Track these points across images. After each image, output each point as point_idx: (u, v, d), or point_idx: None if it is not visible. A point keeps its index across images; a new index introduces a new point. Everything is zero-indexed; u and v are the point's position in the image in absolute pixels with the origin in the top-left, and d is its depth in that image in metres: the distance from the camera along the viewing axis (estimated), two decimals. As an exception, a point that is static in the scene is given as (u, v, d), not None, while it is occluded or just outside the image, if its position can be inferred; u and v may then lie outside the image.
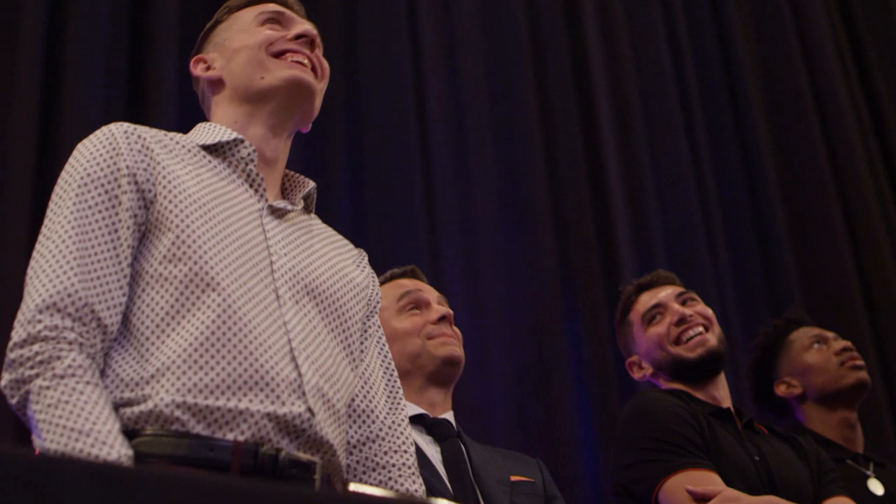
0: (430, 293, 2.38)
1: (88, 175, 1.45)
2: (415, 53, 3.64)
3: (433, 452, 2.14)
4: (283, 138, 1.67)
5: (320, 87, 1.71)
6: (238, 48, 1.67)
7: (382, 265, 2.50)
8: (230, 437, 1.33)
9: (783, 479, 2.32)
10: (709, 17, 4.56)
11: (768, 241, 4.13)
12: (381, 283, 2.40)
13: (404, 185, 3.40)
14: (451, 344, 2.27)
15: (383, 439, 1.61)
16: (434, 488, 2.03)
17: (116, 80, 3.04)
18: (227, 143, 1.59)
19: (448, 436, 2.19)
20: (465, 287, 3.33)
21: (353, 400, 1.60)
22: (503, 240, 3.53)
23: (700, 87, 4.35)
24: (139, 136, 1.50)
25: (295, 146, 3.16)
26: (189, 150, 1.56)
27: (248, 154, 1.59)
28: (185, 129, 1.67)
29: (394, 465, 1.60)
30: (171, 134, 1.58)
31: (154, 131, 1.55)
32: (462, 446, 2.19)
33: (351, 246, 1.75)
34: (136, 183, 1.45)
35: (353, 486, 1.50)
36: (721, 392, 2.53)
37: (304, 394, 1.40)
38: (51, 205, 1.46)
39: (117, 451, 1.26)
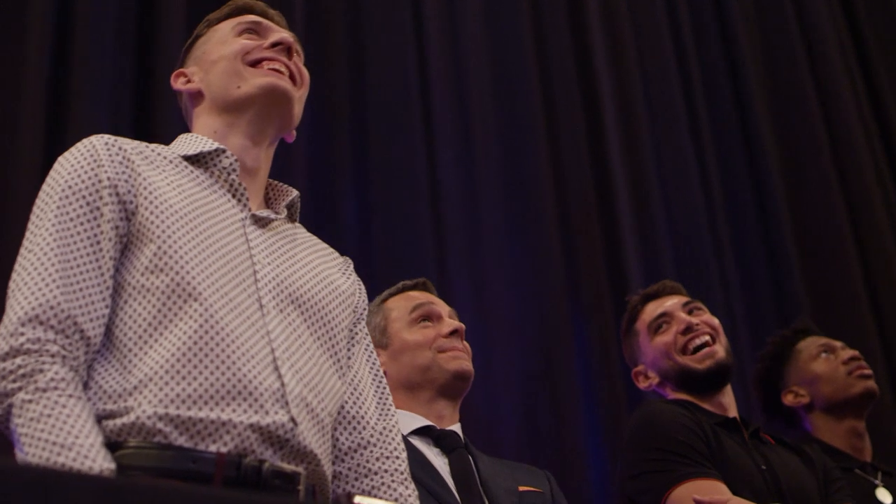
0: (442, 306, 2.39)
1: (70, 187, 1.45)
2: (421, 66, 3.64)
3: (441, 464, 2.15)
4: (264, 147, 1.67)
5: (299, 94, 1.70)
6: (215, 59, 1.68)
7: (390, 278, 2.50)
8: (213, 448, 1.33)
9: (791, 489, 2.32)
10: (715, 30, 4.56)
11: (776, 250, 4.13)
12: (393, 295, 2.41)
13: (411, 196, 3.41)
14: (461, 358, 2.28)
15: (374, 445, 1.61)
16: (443, 500, 2.03)
17: (123, 84, 3.04)
18: (209, 153, 1.59)
19: (455, 447, 2.19)
20: (471, 298, 3.33)
21: (342, 407, 1.60)
22: (510, 251, 3.53)
23: (706, 96, 4.35)
24: (120, 148, 1.50)
25: (301, 158, 3.19)
26: (171, 161, 1.56)
27: (230, 164, 1.59)
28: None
29: (386, 471, 1.59)
30: (153, 145, 1.59)
31: (136, 143, 1.56)
32: (470, 457, 2.19)
33: (336, 254, 1.75)
34: (117, 194, 1.45)
35: (358, 500, 1.49)
36: (727, 402, 2.53)
37: (287, 403, 1.40)
38: (32, 217, 1.46)
39: (99, 464, 1.26)
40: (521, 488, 2.20)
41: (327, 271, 1.65)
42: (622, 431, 2.58)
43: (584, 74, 3.98)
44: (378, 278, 2.50)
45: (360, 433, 1.61)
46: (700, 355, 2.51)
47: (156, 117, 2.99)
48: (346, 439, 1.60)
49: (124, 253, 1.44)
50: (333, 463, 1.57)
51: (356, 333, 1.68)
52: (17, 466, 0.76)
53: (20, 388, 1.30)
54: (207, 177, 1.57)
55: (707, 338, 2.54)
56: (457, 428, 2.26)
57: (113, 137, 1.52)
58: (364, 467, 1.59)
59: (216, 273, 1.44)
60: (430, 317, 2.34)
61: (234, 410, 1.36)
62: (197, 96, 1.69)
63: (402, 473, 1.61)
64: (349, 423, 1.60)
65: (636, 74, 4.13)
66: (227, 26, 1.73)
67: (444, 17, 3.80)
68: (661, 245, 3.82)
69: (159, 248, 1.42)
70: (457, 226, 3.45)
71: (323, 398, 1.49)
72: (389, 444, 1.62)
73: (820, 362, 2.97)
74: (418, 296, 2.39)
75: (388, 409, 1.67)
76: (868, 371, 2.95)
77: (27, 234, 1.45)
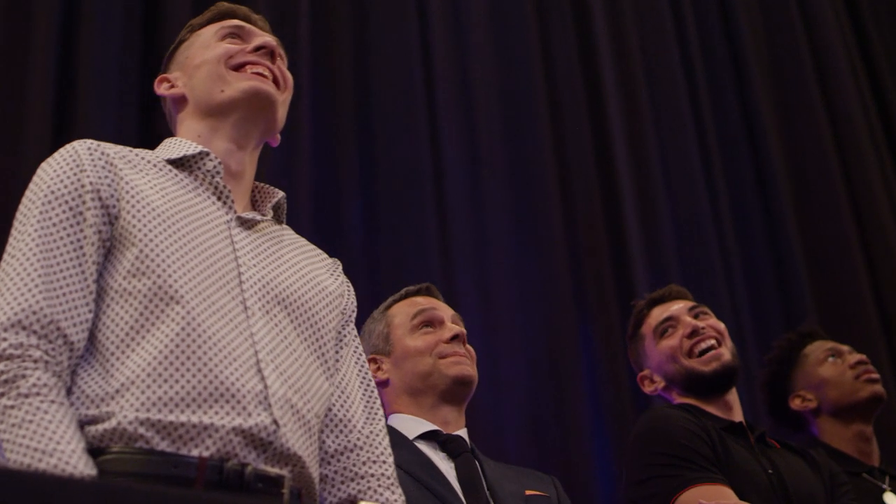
0: (445, 311, 2.38)
1: (52, 192, 1.45)
2: (426, 72, 3.64)
3: (447, 468, 2.14)
4: (248, 151, 1.67)
5: (283, 98, 1.71)
6: (198, 64, 1.68)
7: (396, 284, 2.50)
8: (195, 453, 1.33)
9: (798, 493, 2.32)
10: (720, 35, 4.56)
11: (782, 254, 4.12)
12: (397, 301, 2.41)
13: (418, 204, 3.41)
14: (462, 363, 2.27)
15: (361, 449, 1.60)
16: (450, 504, 2.03)
17: (129, 84, 3.05)
18: (193, 156, 1.59)
19: (461, 452, 2.18)
20: (477, 303, 3.33)
21: (329, 409, 1.59)
22: (516, 256, 3.53)
23: (712, 100, 4.35)
24: (102, 153, 1.51)
25: (307, 168, 3.19)
26: (155, 165, 1.56)
27: (214, 167, 1.59)
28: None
29: (372, 476, 1.59)
30: (138, 150, 1.59)
31: (119, 147, 1.56)
32: (476, 462, 2.19)
33: (325, 255, 1.75)
34: (100, 199, 1.45)
35: (362, 504, 1.50)
36: (733, 406, 2.52)
37: (269, 405, 1.39)
38: (15, 223, 1.46)
39: (80, 470, 1.26)
40: (528, 492, 2.20)
41: (315, 272, 1.65)
42: (628, 435, 2.58)
43: (589, 79, 3.99)
44: (384, 284, 2.50)
45: (346, 436, 1.60)
46: (706, 357, 2.51)
47: (162, 118, 2.98)
48: (333, 442, 1.59)
49: (108, 257, 1.44)
50: (319, 465, 1.56)
51: (345, 336, 1.68)
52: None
53: (2, 394, 1.30)
54: (192, 180, 1.57)
55: (713, 341, 2.54)
56: (463, 433, 2.26)
57: (96, 142, 1.53)
58: (350, 471, 1.58)
59: (199, 276, 1.44)
60: (431, 322, 2.34)
61: (216, 413, 1.35)
62: (181, 101, 1.70)
63: (388, 478, 1.60)
64: (336, 425, 1.60)
65: (641, 79, 4.14)
66: (209, 31, 1.73)
67: (449, 24, 3.80)
68: (667, 250, 3.81)
69: (141, 251, 1.42)
70: (463, 231, 3.46)
71: (309, 399, 1.48)
72: (376, 447, 1.62)
73: (827, 366, 2.96)
74: (422, 301, 2.39)
75: (376, 413, 1.66)
76: (875, 375, 2.94)
77: (10, 239, 1.45)
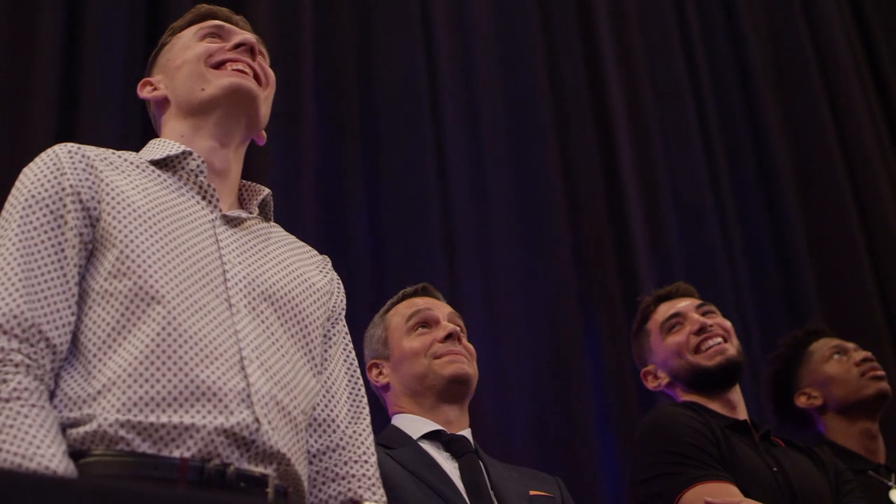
0: (441, 310, 2.37)
1: (33, 196, 1.45)
2: (430, 75, 3.64)
3: (451, 468, 2.14)
4: (233, 148, 1.67)
5: (265, 94, 1.71)
6: (179, 65, 1.69)
7: (402, 285, 2.49)
8: (176, 454, 1.32)
9: (803, 490, 2.31)
10: (724, 36, 4.56)
11: (787, 252, 4.12)
12: (395, 304, 2.41)
13: (422, 205, 3.41)
14: (458, 361, 2.26)
15: (344, 449, 1.59)
16: (453, 504, 2.03)
17: (133, 86, 3.05)
18: (176, 156, 1.59)
19: (465, 452, 2.18)
20: (482, 302, 3.33)
21: (314, 409, 1.58)
22: (520, 254, 3.53)
23: (716, 99, 4.35)
24: (83, 156, 1.51)
25: (312, 169, 3.18)
26: (138, 167, 1.56)
27: (198, 166, 1.59)
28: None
29: (354, 476, 1.58)
30: (121, 152, 1.59)
31: (101, 150, 1.56)
32: (480, 462, 2.19)
33: (314, 252, 1.75)
34: (80, 202, 1.45)
35: (366, 506, 1.49)
36: (738, 404, 2.52)
37: (252, 403, 1.38)
38: None
39: (61, 475, 1.25)
40: (532, 493, 2.20)
41: (303, 268, 1.65)
42: (633, 434, 2.58)
43: (593, 80, 3.99)
44: (390, 292, 2.49)
45: (329, 436, 1.59)
46: (710, 352, 2.51)
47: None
48: (316, 441, 1.58)
49: (90, 259, 1.44)
50: None
51: (334, 334, 1.67)
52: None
53: None
54: (175, 180, 1.57)
55: (720, 339, 2.54)
56: (467, 433, 2.26)
57: (76, 145, 1.53)
58: (332, 471, 1.58)
59: (181, 275, 1.44)
60: (426, 322, 2.33)
61: (197, 413, 1.34)
62: (163, 103, 1.70)
63: (369, 479, 1.59)
64: (319, 425, 1.59)
65: (646, 79, 4.13)
66: (190, 32, 1.74)
67: (453, 26, 3.80)
68: (672, 248, 3.81)
69: (122, 252, 1.42)
70: (467, 233, 3.45)
71: (296, 396, 1.48)
72: (359, 448, 1.61)
73: (833, 364, 2.95)
74: (418, 302, 2.38)
75: (361, 413, 1.65)
76: (881, 372, 2.93)
77: None
